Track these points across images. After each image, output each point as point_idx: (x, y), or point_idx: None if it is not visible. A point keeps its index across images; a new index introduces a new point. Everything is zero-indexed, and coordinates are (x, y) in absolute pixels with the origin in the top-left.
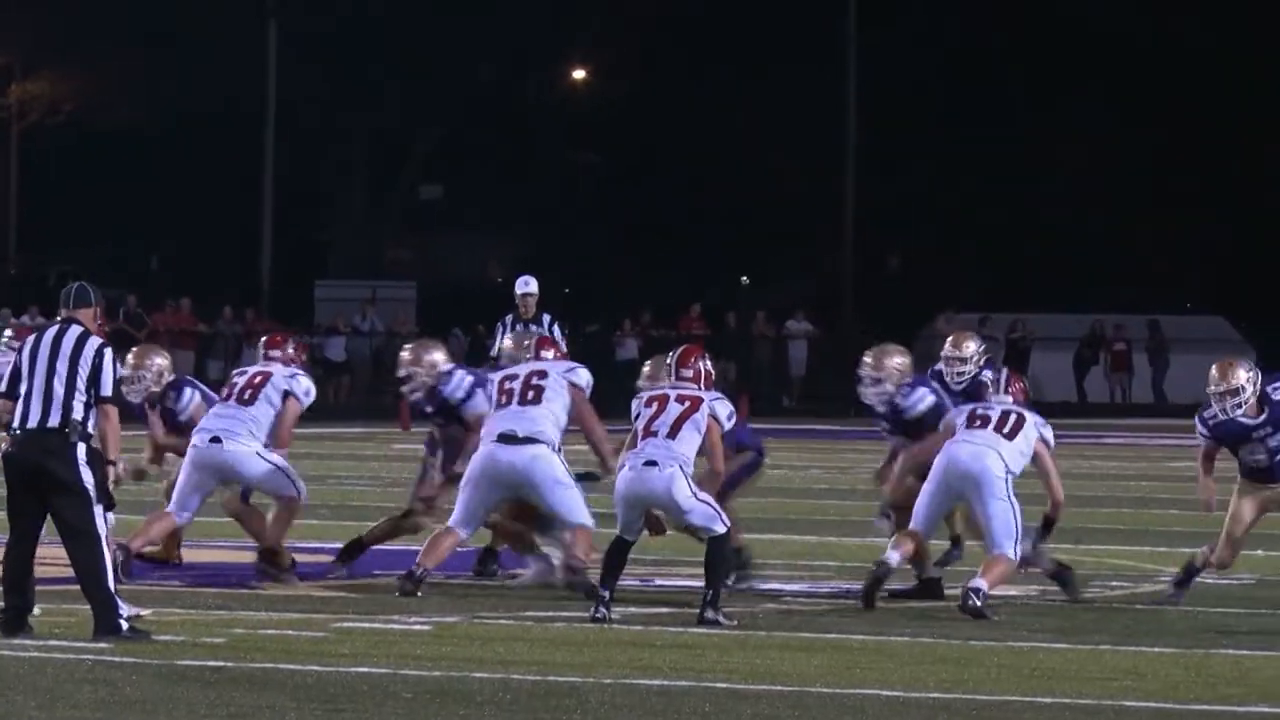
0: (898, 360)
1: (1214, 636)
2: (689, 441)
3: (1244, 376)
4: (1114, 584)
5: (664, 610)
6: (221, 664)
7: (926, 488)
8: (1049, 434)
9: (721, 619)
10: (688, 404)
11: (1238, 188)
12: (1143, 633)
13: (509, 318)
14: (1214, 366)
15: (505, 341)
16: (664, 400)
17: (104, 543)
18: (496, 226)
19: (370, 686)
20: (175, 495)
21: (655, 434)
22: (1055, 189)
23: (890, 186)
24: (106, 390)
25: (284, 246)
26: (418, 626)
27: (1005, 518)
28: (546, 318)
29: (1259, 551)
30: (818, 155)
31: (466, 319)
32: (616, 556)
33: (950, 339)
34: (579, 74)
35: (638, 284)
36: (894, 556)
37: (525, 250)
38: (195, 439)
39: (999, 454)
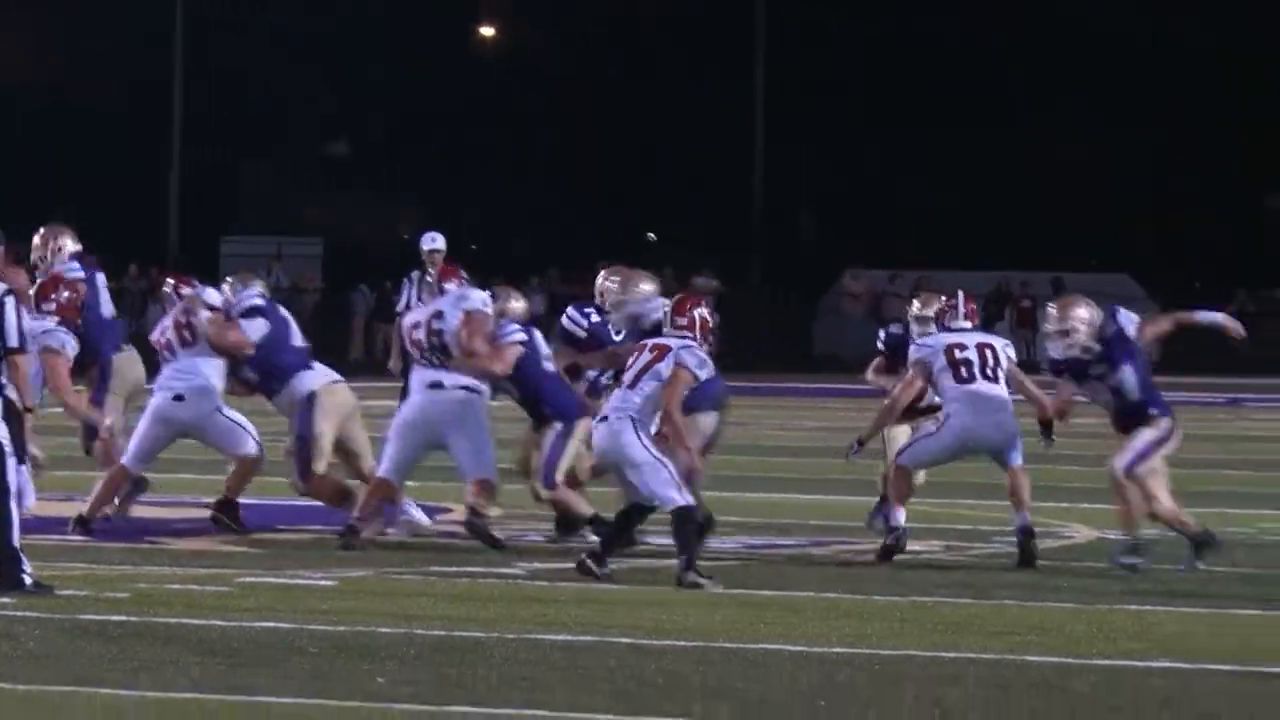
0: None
1: (1116, 592)
2: (649, 391)
3: (1082, 316)
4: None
5: (570, 566)
6: (125, 618)
7: (941, 441)
8: (1012, 351)
9: (702, 581)
10: (655, 353)
11: (1142, 144)
12: (1046, 588)
13: (415, 274)
14: (1053, 305)
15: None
16: (641, 350)
17: (11, 497)
18: (405, 183)
19: (275, 641)
20: (133, 448)
21: (623, 385)
22: (962, 146)
23: (799, 144)
24: (12, 341)
25: (191, 203)
26: (322, 582)
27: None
28: None
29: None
30: (727, 112)
31: (374, 276)
32: (618, 522)
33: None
34: (487, 31)
35: (545, 240)
36: (901, 515)
37: (433, 207)
38: (157, 396)
39: (1010, 411)
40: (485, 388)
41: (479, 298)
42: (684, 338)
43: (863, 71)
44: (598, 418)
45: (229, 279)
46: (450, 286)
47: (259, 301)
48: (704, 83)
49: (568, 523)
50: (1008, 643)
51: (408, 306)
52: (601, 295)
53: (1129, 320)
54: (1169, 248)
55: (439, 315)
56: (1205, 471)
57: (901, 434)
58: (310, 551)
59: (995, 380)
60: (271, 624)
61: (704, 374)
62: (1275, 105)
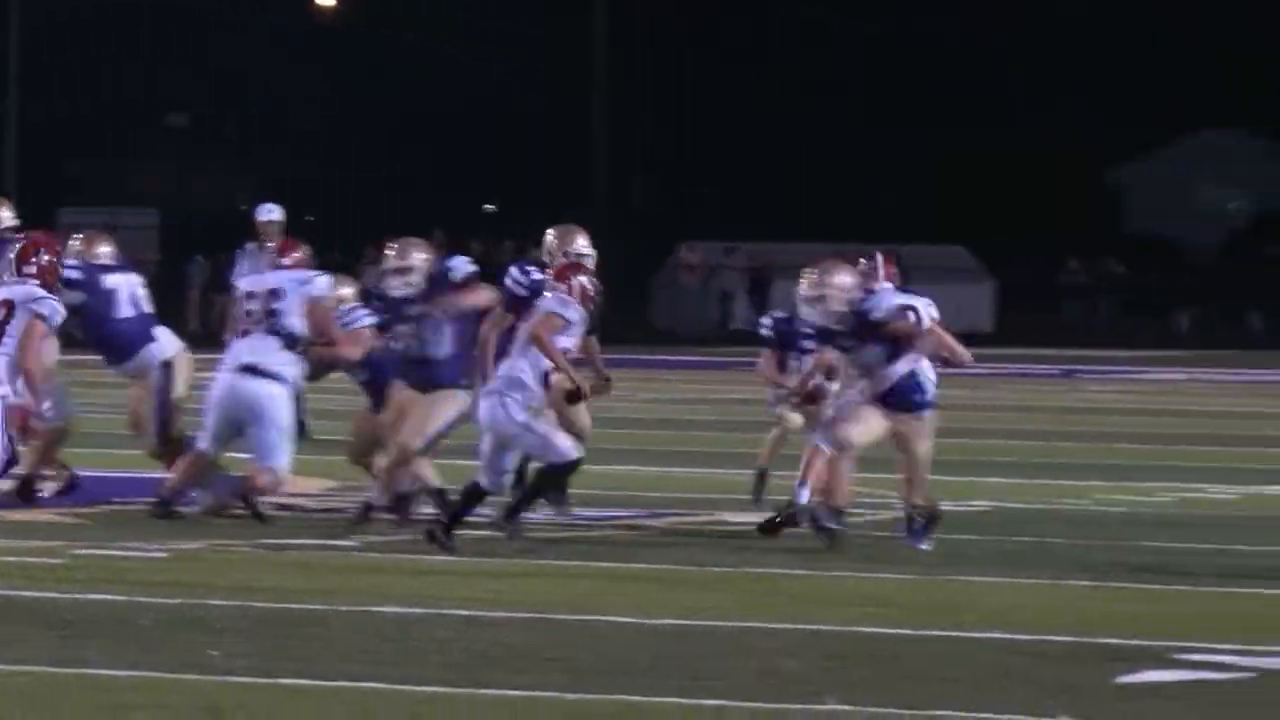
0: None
1: (951, 563)
2: (534, 359)
3: (839, 283)
4: (854, 511)
5: (404, 538)
6: None
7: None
8: (935, 310)
9: (513, 534)
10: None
11: (976, 119)
12: (882, 560)
13: (251, 245)
14: (812, 270)
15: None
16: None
17: None
18: (242, 154)
19: (108, 613)
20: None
21: (509, 356)
22: (800, 120)
23: (639, 116)
24: None
25: (29, 174)
26: (155, 554)
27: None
28: None
29: (993, 479)
30: (566, 82)
31: (210, 247)
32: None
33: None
34: (325, 1)
35: (384, 211)
36: (804, 493)
37: (272, 177)
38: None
39: (931, 379)
40: (295, 379)
41: (323, 283)
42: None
43: (693, 55)
44: (485, 389)
45: (76, 238)
46: (288, 262)
47: (73, 274)
48: (541, 52)
49: (400, 499)
50: (845, 615)
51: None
52: (550, 254)
53: (878, 306)
54: (1004, 219)
55: (277, 293)
56: (1039, 443)
57: (797, 419)
58: (143, 524)
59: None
60: (105, 596)
61: (570, 315)
62: (1115, 85)
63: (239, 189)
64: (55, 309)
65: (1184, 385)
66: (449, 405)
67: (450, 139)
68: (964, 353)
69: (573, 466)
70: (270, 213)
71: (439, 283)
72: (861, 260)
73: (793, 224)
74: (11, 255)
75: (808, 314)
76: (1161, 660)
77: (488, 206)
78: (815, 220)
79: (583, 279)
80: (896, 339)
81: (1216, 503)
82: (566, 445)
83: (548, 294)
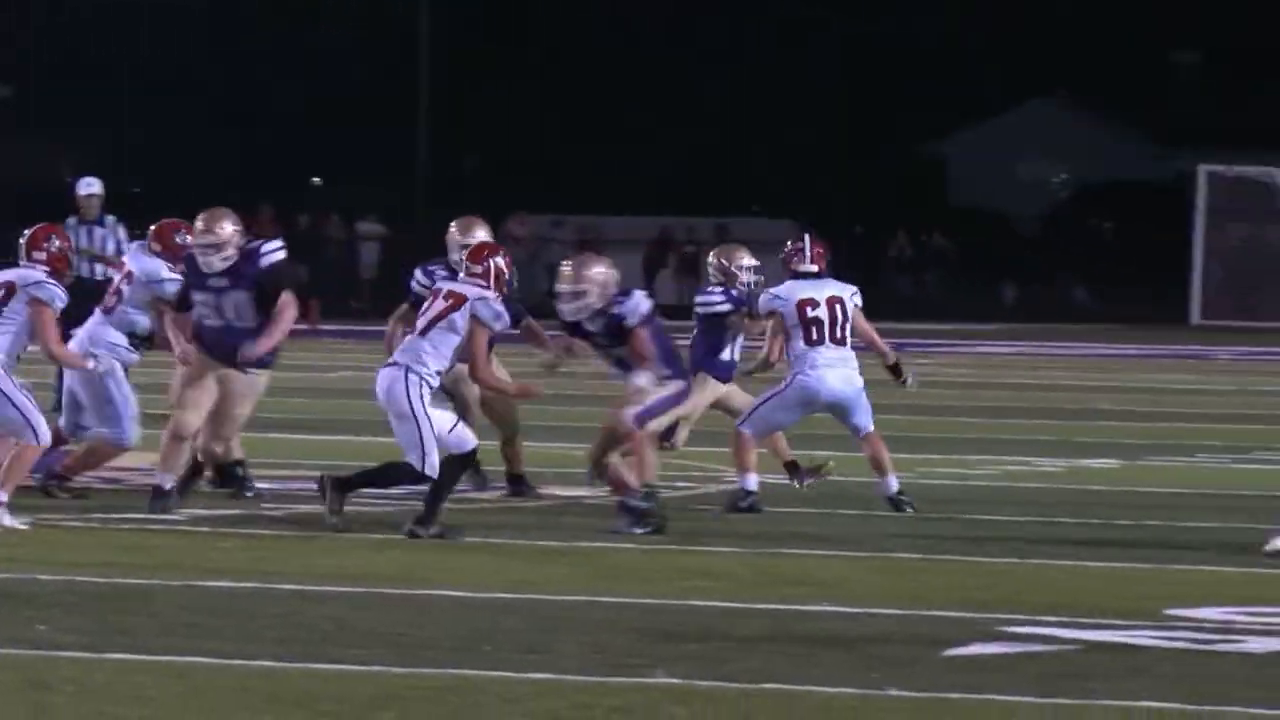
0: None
1: (780, 537)
2: (438, 342)
3: (595, 277)
4: (680, 485)
5: (235, 513)
6: None
7: (785, 402)
8: (859, 299)
9: (420, 532)
10: (450, 302)
11: (806, 93)
12: (710, 534)
13: (71, 220)
14: (567, 263)
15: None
16: (435, 294)
17: None
18: (67, 126)
19: None
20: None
21: (414, 331)
22: (628, 92)
23: (468, 87)
24: None
25: None
26: None
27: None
28: (110, 219)
29: (820, 451)
30: (395, 53)
31: (32, 220)
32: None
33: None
34: None
35: (210, 185)
36: (753, 480)
37: (98, 151)
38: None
39: (857, 368)
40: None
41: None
42: (479, 286)
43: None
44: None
45: None
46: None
47: None
48: (370, 22)
49: (226, 472)
50: (673, 588)
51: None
52: (452, 246)
53: (633, 310)
54: (832, 193)
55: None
56: None
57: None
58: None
59: (843, 343)
60: None
61: (498, 326)
62: (934, 62)
63: (63, 161)
64: (55, 294)
65: (1010, 358)
66: (251, 392)
67: (276, 111)
68: (880, 343)
69: (416, 479)
70: (90, 186)
71: (250, 257)
72: (789, 243)
73: (619, 197)
74: (22, 240)
75: (564, 310)
76: (989, 633)
77: (315, 180)
78: (642, 194)
79: (498, 259)
80: (635, 350)
81: (1043, 475)
82: (431, 463)
83: (474, 288)
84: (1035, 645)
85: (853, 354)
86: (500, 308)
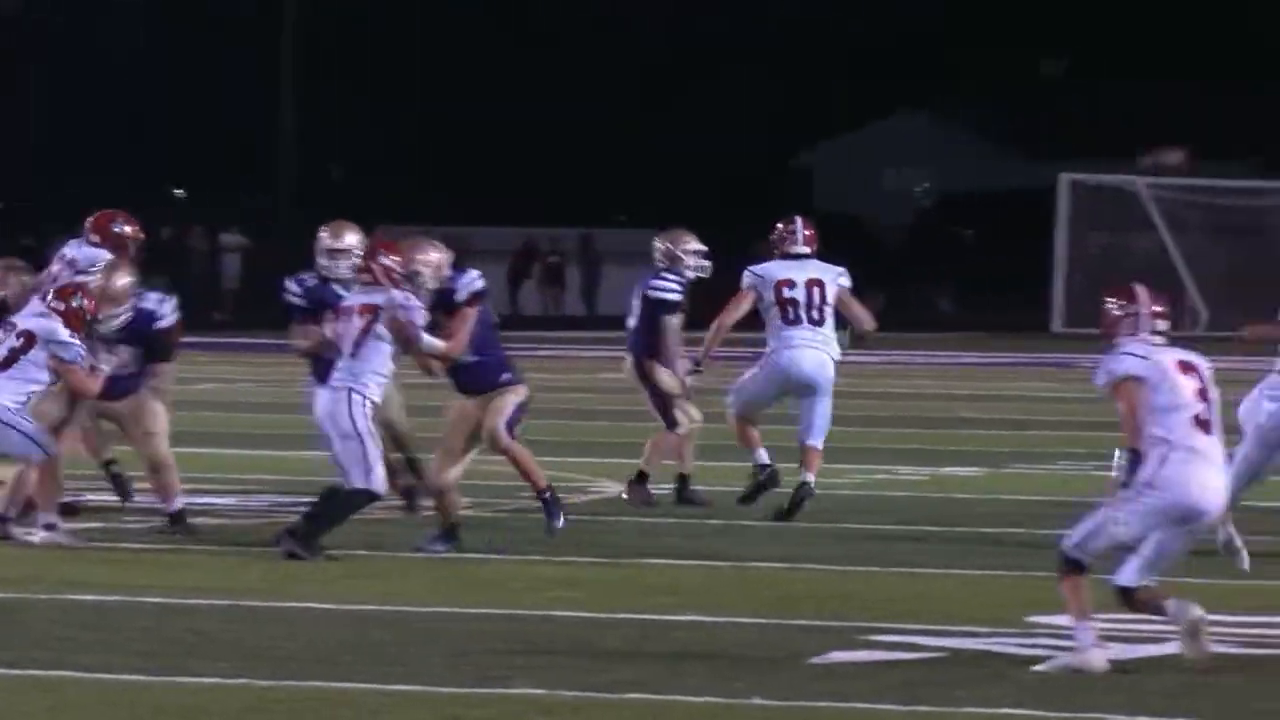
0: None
1: (644, 547)
2: (371, 356)
3: (429, 260)
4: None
5: (97, 525)
6: None
7: (757, 382)
8: (845, 279)
9: (304, 554)
10: (366, 316)
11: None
12: (574, 544)
13: None
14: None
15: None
16: (345, 313)
17: None
18: None
19: None
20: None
21: (344, 355)
22: (495, 102)
23: (333, 96)
24: None
25: None
26: None
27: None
28: None
29: (704, 463)
30: (258, 62)
31: None
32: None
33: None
34: None
35: (75, 196)
36: (763, 454)
37: None
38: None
39: (830, 354)
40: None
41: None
42: (382, 291)
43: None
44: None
45: None
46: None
47: None
48: (235, 32)
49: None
50: (538, 599)
51: None
52: (330, 254)
53: (466, 285)
54: (693, 201)
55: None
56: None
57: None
58: None
59: (820, 323)
60: None
61: (419, 317)
62: (799, 72)
63: None
64: (79, 355)
65: (876, 367)
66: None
67: (137, 121)
68: (868, 317)
69: (367, 499)
70: None
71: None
72: (778, 225)
73: (486, 208)
74: (50, 285)
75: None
76: (853, 641)
77: (178, 191)
78: (511, 205)
79: (387, 260)
80: (453, 327)
81: (907, 484)
82: (376, 477)
83: (383, 295)
84: (899, 653)
85: (832, 334)
86: (414, 301)
